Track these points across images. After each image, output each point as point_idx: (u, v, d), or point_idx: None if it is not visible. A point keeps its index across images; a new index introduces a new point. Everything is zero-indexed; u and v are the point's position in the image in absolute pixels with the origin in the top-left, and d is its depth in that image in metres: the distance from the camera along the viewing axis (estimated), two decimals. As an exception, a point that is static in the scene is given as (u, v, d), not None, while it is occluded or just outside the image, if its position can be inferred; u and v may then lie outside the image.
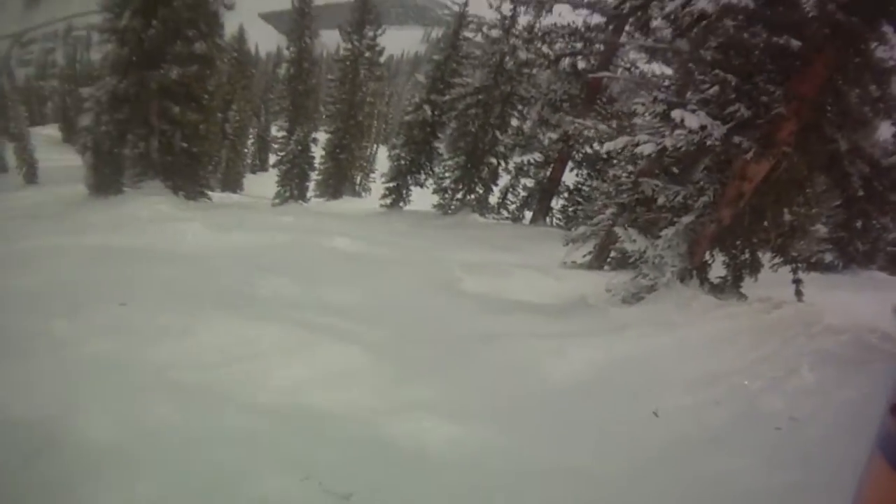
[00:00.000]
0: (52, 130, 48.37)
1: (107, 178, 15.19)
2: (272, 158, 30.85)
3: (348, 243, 8.04)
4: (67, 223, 10.36)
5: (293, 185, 19.84)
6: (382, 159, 27.34)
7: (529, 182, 15.18)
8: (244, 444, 2.71)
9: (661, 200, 5.52)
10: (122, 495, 2.28)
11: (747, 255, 6.01)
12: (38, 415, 2.85)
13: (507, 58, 12.65)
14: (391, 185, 17.84)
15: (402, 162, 17.55)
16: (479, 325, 4.44)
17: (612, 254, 8.05)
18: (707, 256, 5.77)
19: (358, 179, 25.02)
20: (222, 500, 2.30)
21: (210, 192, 17.09)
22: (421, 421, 2.87)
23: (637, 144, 5.27)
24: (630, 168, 7.23)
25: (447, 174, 15.11)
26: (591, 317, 4.72)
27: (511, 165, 14.40)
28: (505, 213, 15.32)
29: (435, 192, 15.60)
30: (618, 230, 5.83)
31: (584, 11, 11.73)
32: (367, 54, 21.66)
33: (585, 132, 10.79)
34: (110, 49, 13.03)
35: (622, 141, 5.81)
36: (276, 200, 19.47)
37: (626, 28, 11.65)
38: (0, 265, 6.53)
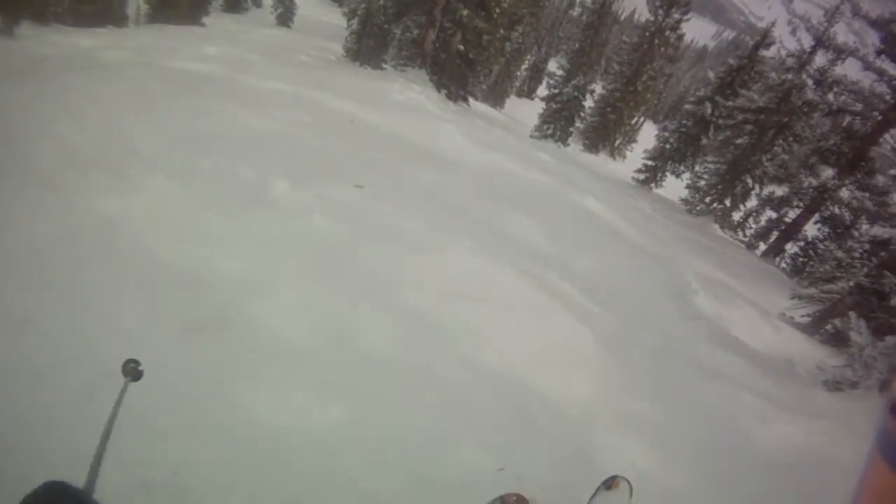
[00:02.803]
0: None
1: (369, 49, 15.58)
2: (540, 90, 31.28)
3: (596, 205, 7.85)
4: (319, 77, 9.95)
5: (557, 126, 20.07)
6: (644, 133, 27.09)
7: (773, 215, 14.51)
8: (445, 406, 2.40)
9: (894, 301, 5.40)
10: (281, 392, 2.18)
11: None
12: (228, 273, 2.76)
13: (795, 91, 12.18)
14: (650, 163, 17.77)
15: (668, 146, 17.41)
16: (702, 355, 4.29)
17: (829, 327, 7.44)
18: (909, 376, 5.15)
19: (616, 143, 24.45)
20: (409, 466, 2.07)
21: (471, 100, 17.58)
22: (628, 441, 2.72)
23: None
24: (867, 245, 6.99)
25: (705, 175, 14.79)
26: (795, 388, 4.56)
27: (764, 192, 13.98)
28: (741, 235, 14.73)
29: (687, 187, 15.40)
30: (851, 316, 5.55)
31: (873, 76, 10.95)
32: (667, 33, 21.21)
33: (843, 194, 10.37)
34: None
35: (890, 232, 6.01)
36: (536, 133, 19.92)
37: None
38: (239, 99, 6.35)
